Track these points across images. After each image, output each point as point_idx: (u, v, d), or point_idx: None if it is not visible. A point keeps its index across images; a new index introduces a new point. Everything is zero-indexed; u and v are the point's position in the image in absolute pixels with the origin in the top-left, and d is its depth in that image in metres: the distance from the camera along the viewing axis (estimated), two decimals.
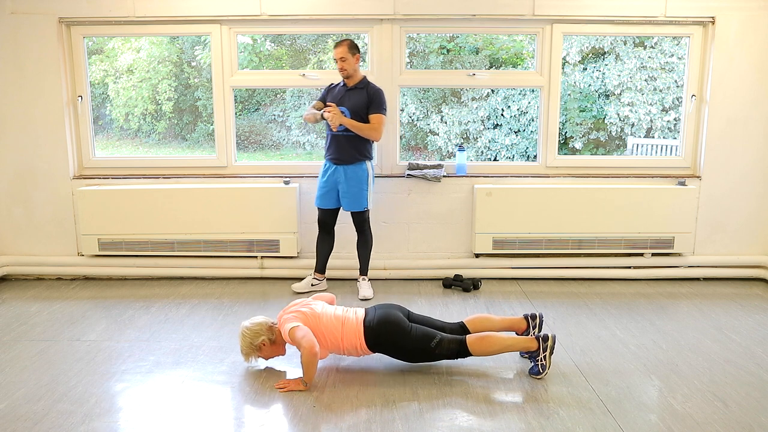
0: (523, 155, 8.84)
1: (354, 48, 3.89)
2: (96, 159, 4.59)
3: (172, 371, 2.98)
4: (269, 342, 2.93)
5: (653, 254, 4.43)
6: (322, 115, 3.92)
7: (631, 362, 3.06)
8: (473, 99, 9.08)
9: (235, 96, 4.57)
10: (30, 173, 4.45)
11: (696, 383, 2.83)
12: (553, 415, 2.55)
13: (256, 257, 4.43)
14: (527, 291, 4.20)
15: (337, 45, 3.89)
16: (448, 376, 2.90)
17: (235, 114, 4.45)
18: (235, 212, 4.34)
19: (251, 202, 4.34)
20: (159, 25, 4.37)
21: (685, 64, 4.50)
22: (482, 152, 9.06)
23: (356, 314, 2.97)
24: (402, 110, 8.86)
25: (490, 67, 9.10)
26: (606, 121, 8.74)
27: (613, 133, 8.74)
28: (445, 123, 9.12)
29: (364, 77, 4.01)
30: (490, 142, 8.98)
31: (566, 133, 8.86)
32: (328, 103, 3.95)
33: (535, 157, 4.83)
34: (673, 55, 8.26)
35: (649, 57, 8.31)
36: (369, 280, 4.17)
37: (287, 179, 4.40)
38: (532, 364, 2.91)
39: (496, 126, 9.06)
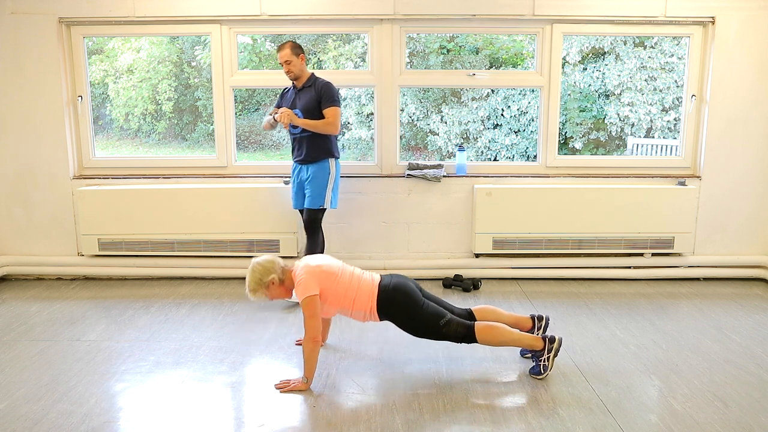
0: (523, 155, 8.84)
1: (297, 49, 3.84)
2: (96, 159, 4.59)
3: (172, 371, 2.98)
4: (278, 282, 2.87)
5: (653, 254, 4.43)
6: (274, 117, 3.92)
7: (631, 362, 3.06)
8: (473, 99, 9.08)
9: (235, 96, 4.57)
10: (30, 173, 4.45)
11: (696, 383, 2.84)
12: (553, 415, 2.55)
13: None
14: (527, 291, 4.20)
15: (280, 48, 3.85)
16: (448, 376, 2.91)
17: (235, 114, 4.45)
18: (235, 212, 4.34)
19: (251, 202, 4.34)
20: (159, 25, 4.37)
21: (685, 64, 4.50)
22: (482, 152, 9.06)
23: (372, 277, 2.95)
24: (402, 110, 8.87)
25: (490, 67, 9.10)
26: (606, 121, 8.74)
27: (613, 133, 8.74)
28: (445, 123, 9.12)
29: (311, 75, 3.96)
30: (490, 142, 8.98)
31: (566, 133, 8.86)
32: (273, 111, 4.00)
33: (535, 157, 4.83)
34: (673, 55, 8.26)
35: (649, 57, 8.31)
36: None
37: (287, 179, 4.39)
38: (534, 363, 2.91)
39: (496, 126, 9.06)
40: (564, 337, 3.32)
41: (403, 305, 2.86)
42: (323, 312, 2.92)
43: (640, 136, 8.59)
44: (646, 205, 4.31)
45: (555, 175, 4.47)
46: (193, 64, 10.55)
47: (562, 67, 5.57)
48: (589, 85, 8.67)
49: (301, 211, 4.08)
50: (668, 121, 8.36)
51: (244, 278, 4.40)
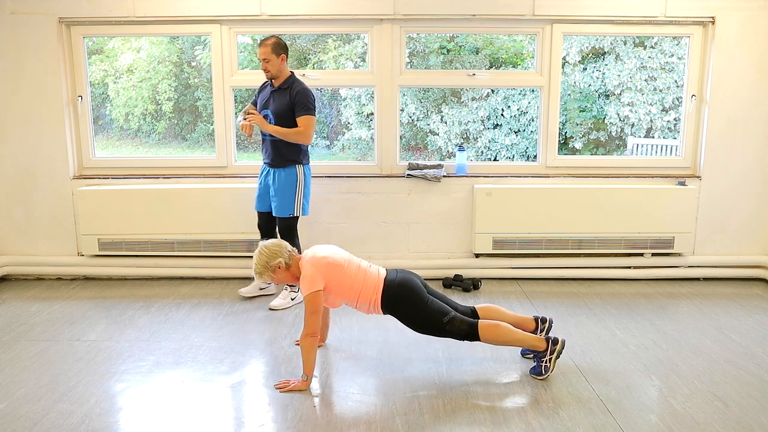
0: (523, 155, 8.84)
1: (278, 48, 3.66)
2: (96, 159, 4.59)
3: (172, 371, 2.98)
4: (285, 267, 2.88)
5: (653, 254, 4.43)
6: (242, 120, 3.78)
7: (631, 362, 3.06)
8: (473, 99, 9.07)
9: (235, 96, 4.56)
10: (30, 173, 4.45)
11: (696, 383, 2.84)
12: (553, 415, 2.55)
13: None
14: (527, 291, 4.20)
15: (261, 44, 3.67)
16: (448, 376, 2.91)
17: (235, 114, 4.45)
18: (235, 212, 4.34)
19: (251, 202, 4.33)
20: (159, 25, 4.37)
21: (685, 64, 4.50)
22: (482, 152, 9.06)
23: (378, 271, 2.96)
24: (402, 110, 8.86)
25: (490, 67, 9.09)
26: (606, 121, 8.74)
27: (613, 133, 8.74)
28: (445, 123, 9.12)
29: (291, 75, 3.79)
30: (490, 142, 8.97)
31: (566, 133, 8.86)
32: (248, 110, 3.83)
33: (535, 157, 4.83)
34: (673, 55, 8.26)
35: (649, 57, 8.31)
36: (292, 291, 3.94)
37: None
38: (535, 364, 2.91)
39: (496, 126, 9.05)
40: (564, 338, 3.32)
41: (408, 301, 2.87)
42: (329, 302, 2.94)
43: (640, 136, 8.59)
44: (646, 205, 4.31)
45: (555, 175, 4.47)
46: (193, 64, 10.55)
47: (562, 67, 5.56)
48: (589, 85, 8.66)
49: (261, 214, 3.98)
50: (668, 121, 8.36)
51: (244, 278, 4.43)
